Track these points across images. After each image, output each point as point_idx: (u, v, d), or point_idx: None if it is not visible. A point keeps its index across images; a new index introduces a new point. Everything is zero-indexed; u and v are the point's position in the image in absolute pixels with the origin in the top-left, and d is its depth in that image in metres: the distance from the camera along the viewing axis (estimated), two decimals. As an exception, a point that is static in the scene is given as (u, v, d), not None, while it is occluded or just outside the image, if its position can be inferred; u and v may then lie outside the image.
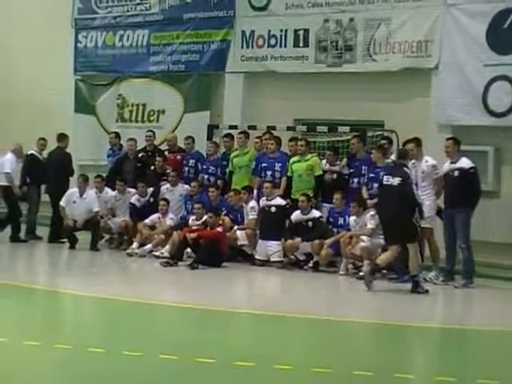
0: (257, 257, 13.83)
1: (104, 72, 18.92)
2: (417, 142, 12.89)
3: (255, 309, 10.29)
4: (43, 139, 16.22)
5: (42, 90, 19.13)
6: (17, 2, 19.96)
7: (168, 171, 15.22)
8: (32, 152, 16.04)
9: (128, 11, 18.61)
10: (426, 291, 11.59)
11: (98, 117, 18.87)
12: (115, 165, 16.09)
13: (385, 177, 11.97)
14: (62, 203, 15.13)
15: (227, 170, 14.99)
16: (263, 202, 13.94)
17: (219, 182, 14.93)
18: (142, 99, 18.34)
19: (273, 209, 13.79)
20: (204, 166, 15.22)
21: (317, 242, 13.21)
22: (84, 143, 18.51)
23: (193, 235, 13.40)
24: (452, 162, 12.45)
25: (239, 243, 13.98)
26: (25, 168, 15.89)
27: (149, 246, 14.30)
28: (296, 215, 13.56)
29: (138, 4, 18.47)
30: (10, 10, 20.05)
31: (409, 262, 11.79)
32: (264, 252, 13.77)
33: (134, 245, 14.41)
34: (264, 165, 14.47)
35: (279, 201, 13.87)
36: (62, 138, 16.16)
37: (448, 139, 12.72)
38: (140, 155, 15.92)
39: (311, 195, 13.78)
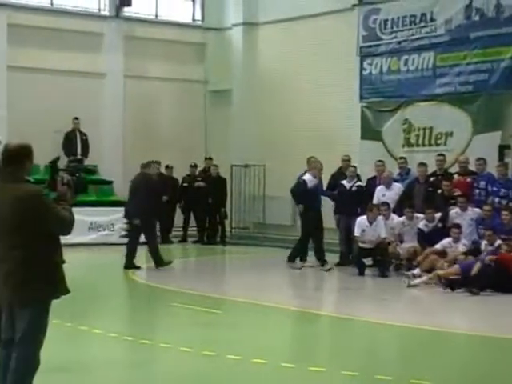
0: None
1: (389, 98, 18.83)
2: None
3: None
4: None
5: (328, 117, 19.46)
6: (306, 34, 20.46)
7: (456, 194, 14.71)
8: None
9: (413, 35, 18.38)
10: None
11: (384, 142, 18.76)
12: (406, 189, 15.94)
13: None
14: (356, 233, 15.08)
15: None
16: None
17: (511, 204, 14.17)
18: (428, 123, 17.98)
19: None
20: (494, 188, 14.56)
21: None
22: (370, 169, 18.41)
23: (492, 257, 12.83)
24: None
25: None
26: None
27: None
28: None
29: (424, 27, 18.18)
30: (299, 41, 20.64)
31: None
32: None
33: (416, 270, 13.91)
34: None
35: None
36: (147, 165, 15.86)
37: None
38: (431, 179, 15.58)
39: None
